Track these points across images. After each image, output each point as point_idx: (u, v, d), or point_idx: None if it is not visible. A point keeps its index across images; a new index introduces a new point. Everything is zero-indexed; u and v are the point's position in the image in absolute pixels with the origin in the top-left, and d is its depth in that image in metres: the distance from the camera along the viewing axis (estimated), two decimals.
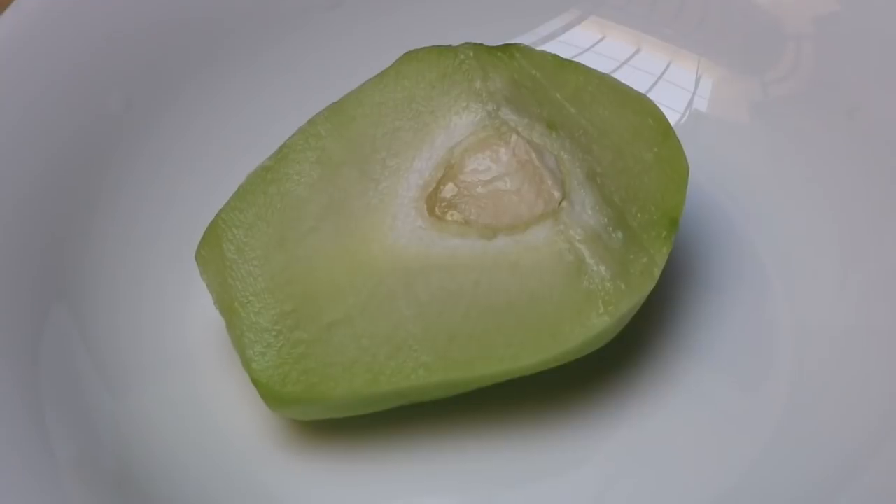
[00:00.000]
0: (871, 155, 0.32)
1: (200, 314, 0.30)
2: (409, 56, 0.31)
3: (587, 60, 0.32)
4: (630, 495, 0.29)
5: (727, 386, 0.30)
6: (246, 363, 0.28)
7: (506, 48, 0.31)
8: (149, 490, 0.28)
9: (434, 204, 0.29)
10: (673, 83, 0.35)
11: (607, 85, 0.31)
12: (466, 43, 0.31)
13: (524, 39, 0.35)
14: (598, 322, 0.27)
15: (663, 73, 0.35)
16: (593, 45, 0.36)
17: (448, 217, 0.29)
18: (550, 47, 0.34)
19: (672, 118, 0.32)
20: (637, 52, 0.36)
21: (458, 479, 0.29)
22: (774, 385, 0.30)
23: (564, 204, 0.28)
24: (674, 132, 0.30)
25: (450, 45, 0.31)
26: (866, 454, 0.27)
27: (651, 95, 0.31)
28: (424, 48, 0.31)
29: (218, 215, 0.29)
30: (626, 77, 0.32)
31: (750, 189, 0.33)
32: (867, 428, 0.28)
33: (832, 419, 0.29)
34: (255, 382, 0.28)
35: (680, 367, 0.31)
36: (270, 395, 0.27)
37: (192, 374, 0.30)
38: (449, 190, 0.29)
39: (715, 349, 0.31)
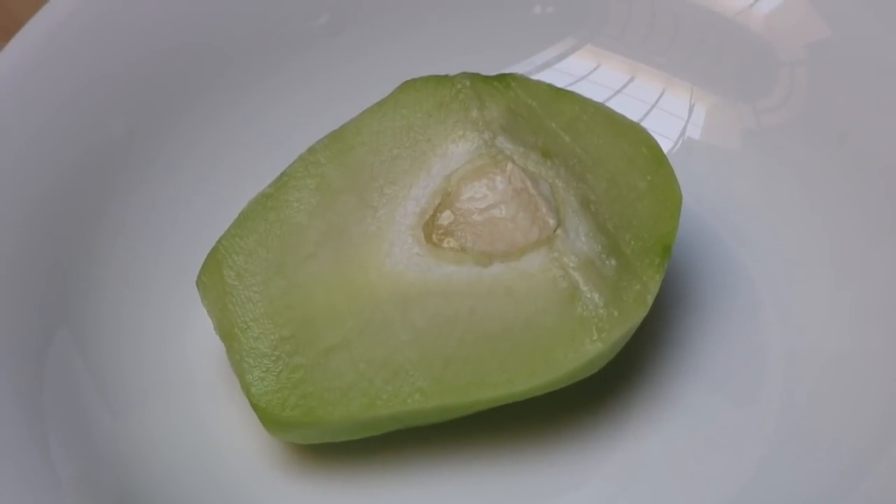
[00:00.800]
0: (862, 181, 0.32)
1: (201, 339, 0.30)
2: (408, 85, 0.31)
3: (582, 89, 0.32)
4: None
5: (721, 408, 0.30)
6: (245, 387, 0.28)
7: (502, 78, 0.31)
8: None
9: (431, 231, 0.29)
10: (666, 111, 0.35)
11: (602, 114, 0.31)
12: (463, 72, 0.31)
13: (520, 69, 0.35)
14: (591, 348, 0.27)
15: (657, 101, 0.36)
16: (588, 73, 0.36)
17: (444, 244, 0.29)
18: (546, 76, 0.35)
19: (665, 146, 0.32)
20: (631, 80, 0.36)
21: (455, 503, 0.29)
22: (767, 406, 0.30)
23: (559, 231, 0.29)
24: (667, 160, 0.30)
25: (447, 75, 0.31)
26: (858, 473, 0.28)
27: (645, 123, 0.32)
28: (422, 77, 0.31)
29: (219, 242, 0.29)
30: (621, 105, 0.32)
31: (742, 216, 0.33)
32: (858, 447, 0.28)
33: (824, 439, 0.29)
34: (254, 407, 0.28)
35: (674, 390, 0.31)
36: (269, 419, 0.28)
37: (192, 398, 0.30)
38: (445, 217, 0.29)
39: (709, 372, 0.31)
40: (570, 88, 0.32)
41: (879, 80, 0.33)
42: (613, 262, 0.29)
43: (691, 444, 0.30)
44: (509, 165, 0.29)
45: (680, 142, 0.35)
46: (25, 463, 0.27)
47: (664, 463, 0.30)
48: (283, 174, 0.30)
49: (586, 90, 0.32)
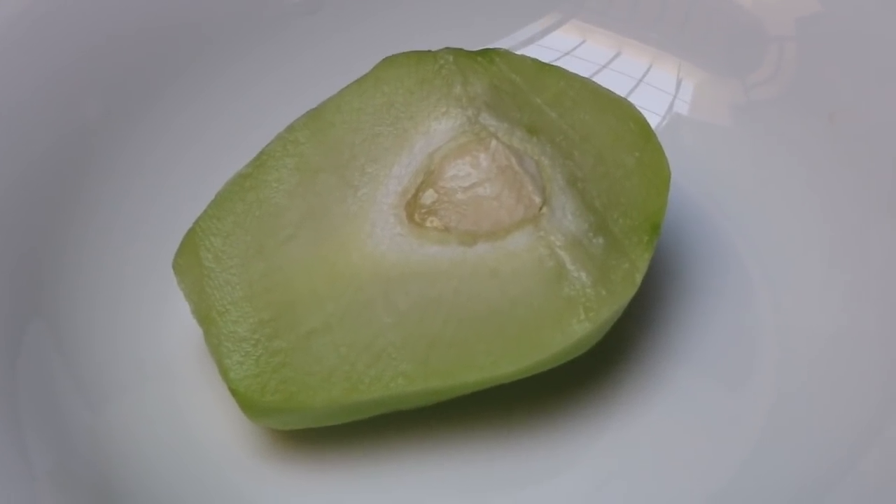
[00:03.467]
0: (853, 157, 0.32)
1: (178, 323, 0.30)
2: (389, 61, 0.31)
3: (567, 64, 0.32)
4: (619, 498, 0.29)
5: (712, 388, 0.30)
6: (224, 372, 0.28)
7: (485, 53, 0.31)
8: (127, 502, 0.27)
9: (413, 210, 0.29)
10: (654, 86, 0.35)
11: (588, 89, 0.31)
12: (446, 48, 0.31)
13: (504, 44, 0.35)
14: (578, 328, 0.27)
15: (644, 76, 0.35)
16: (573, 48, 0.36)
17: (428, 224, 0.28)
18: (530, 51, 0.34)
19: (653, 121, 0.32)
20: (618, 55, 0.36)
21: (440, 487, 0.29)
22: (759, 386, 0.30)
23: (545, 210, 0.28)
24: (655, 136, 0.30)
25: (429, 50, 0.31)
26: (851, 454, 0.27)
27: (632, 99, 0.31)
28: (404, 53, 0.31)
29: (195, 223, 0.29)
30: (607, 81, 0.32)
31: (732, 192, 0.33)
32: (852, 428, 0.28)
33: (817, 419, 0.29)
34: (234, 392, 0.27)
35: (665, 370, 0.30)
36: (249, 405, 0.27)
37: (169, 384, 0.30)
38: (428, 196, 0.29)
39: (699, 352, 0.31)
40: (555, 64, 0.31)
41: (869, 55, 0.33)
42: (601, 240, 0.28)
43: (681, 426, 0.30)
44: (493, 142, 0.29)
45: (668, 117, 0.35)
46: (0, 456, 0.26)
47: (654, 446, 0.29)
48: (261, 153, 0.30)
49: (572, 65, 0.32)
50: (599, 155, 0.30)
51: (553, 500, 0.29)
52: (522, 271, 0.28)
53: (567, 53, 0.36)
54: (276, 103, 0.33)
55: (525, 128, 0.30)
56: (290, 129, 0.30)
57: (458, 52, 0.31)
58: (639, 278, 0.28)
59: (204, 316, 0.28)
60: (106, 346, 0.30)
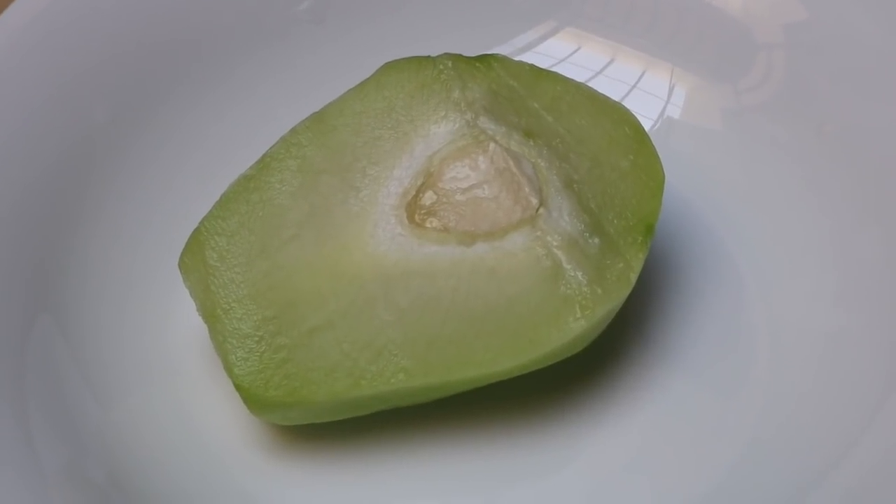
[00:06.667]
0: (843, 159, 0.32)
1: (184, 321, 0.30)
2: (389, 66, 0.31)
3: (563, 71, 0.32)
4: (611, 498, 0.29)
5: (704, 390, 0.30)
6: (228, 368, 0.28)
7: (484, 58, 0.31)
8: (136, 499, 0.28)
9: (414, 211, 0.29)
10: (647, 91, 0.35)
11: (583, 94, 0.31)
12: (445, 53, 0.31)
13: (502, 50, 0.35)
14: (574, 326, 0.27)
15: (637, 81, 0.36)
16: (569, 55, 0.36)
17: (427, 224, 0.29)
18: (528, 57, 0.34)
19: (646, 125, 0.32)
20: (612, 61, 0.36)
21: (438, 483, 0.29)
22: (751, 389, 0.30)
23: (542, 210, 0.29)
24: (649, 140, 0.31)
25: (429, 56, 0.31)
26: (841, 458, 0.28)
27: (626, 104, 0.32)
28: (404, 59, 0.31)
29: (201, 223, 0.29)
30: (601, 86, 0.32)
31: (724, 195, 0.34)
32: (843, 432, 0.28)
33: (808, 423, 0.29)
34: (238, 387, 0.28)
35: (657, 371, 0.31)
36: (253, 400, 0.28)
37: (175, 381, 0.30)
38: (428, 197, 0.29)
39: (691, 353, 0.31)
40: (551, 70, 0.32)
41: (855, 61, 0.33)
42: (597, 240, 0.29)
43: (674, 426, 0.30)
44: (491, 145, 0.29)
45: (661, 121, 0.35)
46: (10, 453, 0.26)
47: (646, 445, 0.30)
48: (264, 156, 0.30)
49: (567, 71, 0.32)
50: (595, 158, 0.30)
51: (549, 496, 0.29)
52: (520, 270, 0.28)
53: (563, 60, 0.36)
54: (279, 107, 0.33)
55: (522, 131, 0.30)
56: (294, 132, 0.30)
57: (457, 58, 0.31)
58: (633, 277, 0.28)
59: (209, 313, 0.28)
60: (113, 343, 0.30)
